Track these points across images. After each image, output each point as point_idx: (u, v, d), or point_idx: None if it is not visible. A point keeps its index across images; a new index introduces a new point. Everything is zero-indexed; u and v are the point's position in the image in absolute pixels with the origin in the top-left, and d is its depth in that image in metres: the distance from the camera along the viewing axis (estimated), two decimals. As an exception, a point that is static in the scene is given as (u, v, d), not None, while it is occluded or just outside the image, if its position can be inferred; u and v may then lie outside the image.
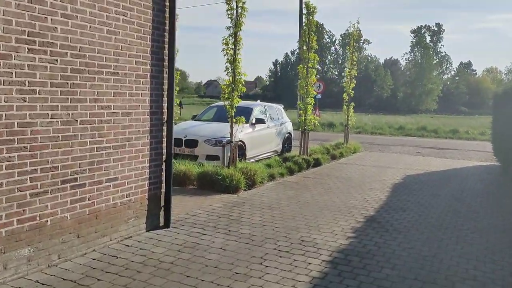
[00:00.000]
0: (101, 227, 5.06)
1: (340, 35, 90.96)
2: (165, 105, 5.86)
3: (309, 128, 12.25)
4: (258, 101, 14.86)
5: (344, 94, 15.51)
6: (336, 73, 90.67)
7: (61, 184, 4.51)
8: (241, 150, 11.21)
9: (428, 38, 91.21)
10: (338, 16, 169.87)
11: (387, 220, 6.85)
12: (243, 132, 10.80)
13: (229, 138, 9.41)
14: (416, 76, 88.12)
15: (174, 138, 10.90)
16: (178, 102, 34.13)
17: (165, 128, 5.87)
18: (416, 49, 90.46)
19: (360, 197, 8.37)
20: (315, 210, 7.24)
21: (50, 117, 4.35)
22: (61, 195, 4.52)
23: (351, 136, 16.77)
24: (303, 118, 12.14)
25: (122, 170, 5.27)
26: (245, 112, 12.19)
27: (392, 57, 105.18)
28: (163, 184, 5.93)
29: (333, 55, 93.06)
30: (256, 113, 12.50)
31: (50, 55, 4.29)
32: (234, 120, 9.09)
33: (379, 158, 14.33)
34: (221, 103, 13.28)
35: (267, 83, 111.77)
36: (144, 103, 5.52)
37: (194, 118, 13.13)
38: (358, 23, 17.28)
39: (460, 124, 33.31)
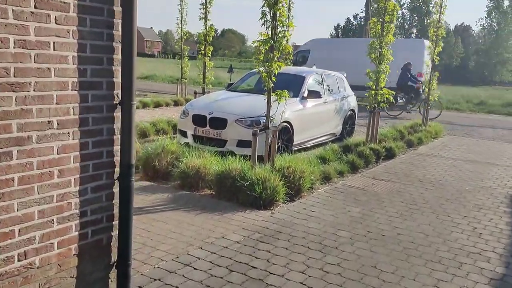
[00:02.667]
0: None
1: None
2: (117, 71, 2.99)
3: (382, 106, 9.03)
4: (314, 67, 11.70)
5: (427, 61, 12.01)
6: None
7: None
8: (286, 134, 8.26)
9: (506, 3, 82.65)
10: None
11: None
12: (289, 109, 7.82)
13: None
14: (491, 44, 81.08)
15: (197, 116, 8.22)
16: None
17: (118, 115, 3.02)
18: (492, 15, 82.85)
19: (465, 224, 5.25)
20: (397, 256, 4.23)
21: None
22: None
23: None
24: (373, 92, 8.92)
25: (8, 207, 2.50)
26: (295, 82, 9.19)
27: (463, 23, 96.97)
28: (115, 222, 3.11)
29: (399, 19, 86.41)
30: (309, 84, 9.40)
31: None
32: (274, 94, 6.13)
33: (469, 146, 10.88)
34: None
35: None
36: (65, 63, 2.67)
37: (229, 87, 10.21)
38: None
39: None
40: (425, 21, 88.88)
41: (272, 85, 5.98)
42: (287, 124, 8.18)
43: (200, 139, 8.09)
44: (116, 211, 3.08)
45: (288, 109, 7.59)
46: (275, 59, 5.82)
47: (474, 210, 5.79)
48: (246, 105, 8.39)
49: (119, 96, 2.99)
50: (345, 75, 11.28)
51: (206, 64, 11.00)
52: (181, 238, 4.38)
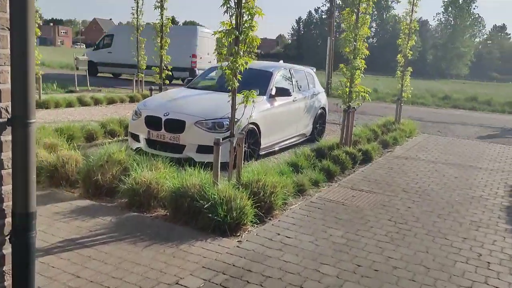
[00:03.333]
0: None
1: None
2: (3, 72, 1.95)
3: (356, 104, 8.21)
4: (281, 61, 10.77)
5: (399, 56, 11.32)
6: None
7: None
8: (253, 137, 7.31)
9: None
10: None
11: None
12: (256, 109, 6.88)
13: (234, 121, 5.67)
14: (448, 39, 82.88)
15: (150, 117, 7.12)
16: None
17: (8, 139, 1.98)
18: (449, 10, 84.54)
19: (467, 249, 4.45)
20: (398, 302, 3.37)
21: None
22: None
23: (386, 107, 12.63)
24: (347, 89, 8.07)
25: None
26: (261, 79, 8.26)
27: (421, 17, 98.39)
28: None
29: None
30: (277, 80, 8.46)
31: None
32: (241, 94, 5.16)
33: (446, 147, 10.24)
34: None
35: (289, 41, 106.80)
36: None
37: (188, 84, 9.12)
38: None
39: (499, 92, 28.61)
40: (384, 15, 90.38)
41: (237, 84, 5.00)
42: (254, 126, 7.23)
43: (155, 144, 7.05)
44: (8, 283, 2.05)
45: (254, 109, 6.65)
46: (241, 53, 4.84)
47: (472, 229, 5.02)
48: (208, 104, 7.39)
49: (9, 111, 1.96)
50: (314, 70, 10.42)
51: (163, 58, 9.90)
52: (121, 287, 3.36)
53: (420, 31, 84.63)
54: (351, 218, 5.13)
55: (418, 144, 10.23)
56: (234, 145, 5.15)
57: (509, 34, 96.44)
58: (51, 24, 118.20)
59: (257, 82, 7.95)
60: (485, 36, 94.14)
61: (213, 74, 9.21)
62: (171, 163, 5.82)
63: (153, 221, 4.73)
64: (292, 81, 8.98)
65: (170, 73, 10.23)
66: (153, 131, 7.05)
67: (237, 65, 4.82)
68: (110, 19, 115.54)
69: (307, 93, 9.43)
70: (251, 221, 4.68)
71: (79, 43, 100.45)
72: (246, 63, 4.89)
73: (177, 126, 6.88)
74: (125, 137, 8.39)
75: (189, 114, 6.94)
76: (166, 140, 6.94)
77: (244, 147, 6.92)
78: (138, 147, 7.23)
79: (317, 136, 9.80)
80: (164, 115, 6.99)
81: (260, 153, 7.61)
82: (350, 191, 6.20)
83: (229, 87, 5.07)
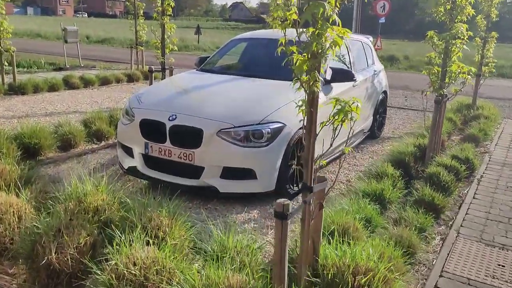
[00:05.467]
0: None
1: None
2: None
3: (453, 91, 5.55)
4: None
5: (479, 17, 8.54)
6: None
7: None
8: (303, 147, 4.74)
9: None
10: None
11: None
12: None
13: (281, 124, 3.86)
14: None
15: (149, 122, 4.63)
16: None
17: None
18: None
19: None
20: None
21: None
22: None
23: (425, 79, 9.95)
24: (438, 68, 5.43)
25: None
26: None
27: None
28: None
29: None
30: (330, 57, 5.85)
31: None
32: (305, 85, 2.55)
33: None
34: (260, 33, 6.70)
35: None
36: None
37: (202, 64, 6.43)
38: None
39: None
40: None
41: (320, 79, 2.44)
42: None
43: (157, 163, 4.55)
44: None
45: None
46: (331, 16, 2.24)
47: None
48: (236, 100, 4.80)
49: None
50: (371, 39, 7.73)
51: (166, 27, 7.27)
52: None
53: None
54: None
55: (512, 137, 7.61)
56: (311, 206, 2.60)
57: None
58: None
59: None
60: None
61: (237, 48, 6.56)
62: (183, 197, 3.35)
63: None
64: (350, 57, 6.33)
65: (176, 48, 7.57)
66: (153, 143, 4.52)
67: (322, 42, 2.24)
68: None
69: (368, 73, 6.78)
70: None
71: (80, 12, 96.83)
72: (342, 37, 2.29)
73: (190, 136, 4.34)
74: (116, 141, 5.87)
75: (208, 118, 4.38)
76: (173, 158, 4.42)
77: (293, 163, 4.49)
78: (132, 166, 4.74)
79: (377, 131, 7.26)
80: (169, 119, 4.44)
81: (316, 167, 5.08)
82: (483, 248, 3.67)
83: (296, 78, 2.47)
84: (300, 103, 2.49)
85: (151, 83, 7.37)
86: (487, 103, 9.25)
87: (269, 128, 4.31)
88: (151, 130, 4.55)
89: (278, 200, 2.33)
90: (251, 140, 4.27)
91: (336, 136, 2.54)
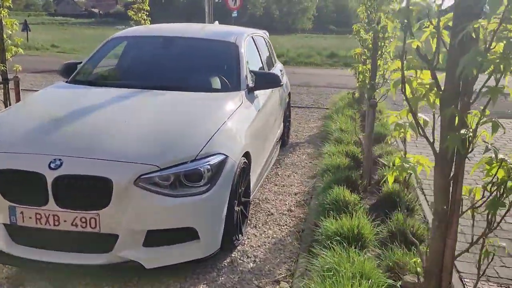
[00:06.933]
0: None
1: None
2: None
3: (381, 91, 4.83)
4: (216, 22, 6.82)
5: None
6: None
7: None
8: (245, 177, 3.61)
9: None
10: None
11: None
12: (239, 122, 3.35)
13: (223, 155, 2.85)
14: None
15: (17, 173, 2.92)
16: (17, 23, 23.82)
17: None
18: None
19: None
20: None
21: None
22: None
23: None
24: (367, 66, 4.68)
25: None
26: (221, 58, 4.44)
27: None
28: None
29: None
30: (247, 58, 4.64)
31: None
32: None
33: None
34: (153, 29, 5.21)
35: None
36: None
37: (72, 73, 4.49)
38: None
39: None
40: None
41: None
42: (245, 159, 3.48)
43: (35, 238, 2.92)
44: None
45: (237, 123, 3.11)
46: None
47: None
48: (150, 125, 3.31)
49: None
50: (267, 34, 6.74)
51: (4, 23, 5.27)
52: None
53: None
54: None
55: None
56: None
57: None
58: None
59: (212, 65, 4.18)
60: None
61: (116, 50, 4.94)
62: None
63: None
64: (261, 57, 5.25)
65: (21, 50, 5.59)
66: (25, 207, 2.86)
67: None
68: None
69: (277, 73, 5.80)
70: None
71: None
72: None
73: (89, 191, 2.81)
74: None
75: (117, 160, 2.89)
76: (62, 226, 2.83)
77: (236, 205, 3.31)
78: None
79: (286, 138, 6.38)
80: (51, 167, 2.82)
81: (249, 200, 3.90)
82: None
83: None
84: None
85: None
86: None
87: (208, 164, 3.00)
88: (19, 186, 2.89)
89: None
90: (185, 185, 2.92)
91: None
